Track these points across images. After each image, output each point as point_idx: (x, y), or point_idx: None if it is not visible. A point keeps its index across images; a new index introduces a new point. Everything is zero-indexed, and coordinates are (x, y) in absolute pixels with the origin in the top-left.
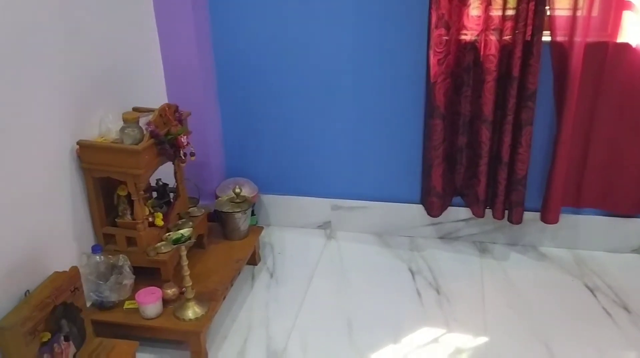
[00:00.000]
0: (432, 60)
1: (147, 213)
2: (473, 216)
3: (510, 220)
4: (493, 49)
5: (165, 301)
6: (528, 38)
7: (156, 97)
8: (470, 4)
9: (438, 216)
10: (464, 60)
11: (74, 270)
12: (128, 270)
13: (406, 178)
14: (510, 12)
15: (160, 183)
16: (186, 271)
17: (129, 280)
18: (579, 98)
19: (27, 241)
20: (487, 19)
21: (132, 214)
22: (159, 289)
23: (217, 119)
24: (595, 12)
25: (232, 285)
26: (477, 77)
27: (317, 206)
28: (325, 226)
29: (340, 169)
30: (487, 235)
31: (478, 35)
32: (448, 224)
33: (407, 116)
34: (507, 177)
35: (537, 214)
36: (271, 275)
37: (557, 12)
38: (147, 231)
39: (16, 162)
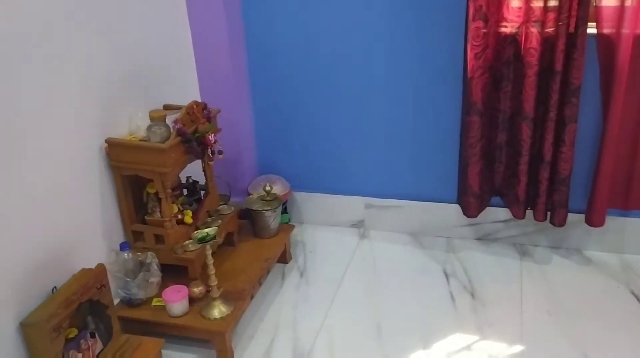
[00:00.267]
0: (469, 54)
1: (176, 210)
2: (513, 217)
3: (552, 222)
4: (534, 42)
5: (192, 300)
6: (572, 30)
7: (189, 94)
8: None
9: (475, 216)
10: (503, 54)
11: (100, 268)
12: (155, 267)
13: (443, 176)
14: (552, 3)
15: (190, 181)
16: (211, 270)
17: (155, 277)
18: (626, 93)
19: (55, 238)
20: (528, 10)
21: (161, 211)
22: (185, 287)
23: (249, 116)
24: None
25: (260, 284)
26: (517, 71)
27: (350, 205)
28: (358, 224)
29: (374, 167)
30: (528, 237)
31: (519, 27)
32: (486, 225)
33: (444, 112)
34: (549, 177)
35: (582, 216)
36: (301, 274)
37: (604, 3)
38: (174, 229)
39: (45, 159)
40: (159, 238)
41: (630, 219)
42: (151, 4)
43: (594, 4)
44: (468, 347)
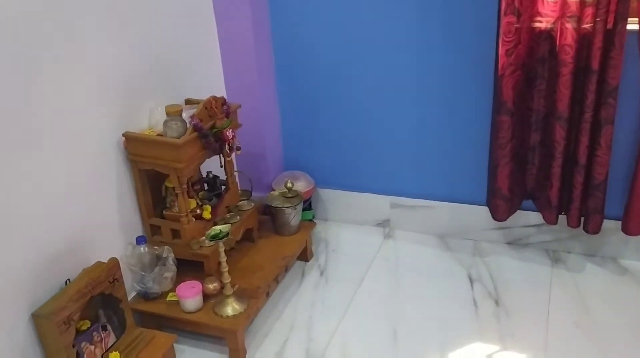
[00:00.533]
0: (500, 50)
1: (195, 205)
2: (545, 222)
3: (585, 229)
4: (569, 39)
5: (207, 296)
6: (610, 26)
7: (214, 89)
8: None
9: (504, 220)
10: (537, 50)
11: (113, 262)
12: (171, 262)
13: (473, 177)
14: None
15: (211, 175)
16: (224, 268)
17: (169, 272)
18: None
19: (72, 230)
20: (564, 4)
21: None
22: (199, 283)
23: (275, 111)
24: None
25: (277, 282)
26: (552, 69)
27: (376, 203)
28: (384, 224)
29: (402, 165)
30: (562, 243)
31: (554, 22)
32: (517, 229)
33: (475, 111)
34: (584, 181)
35: (619, 224)
36: (321, 273)
37: None
38: (191, 224)
39: (63, 152)
40: (175, 233)
41: None
42: None
43: None
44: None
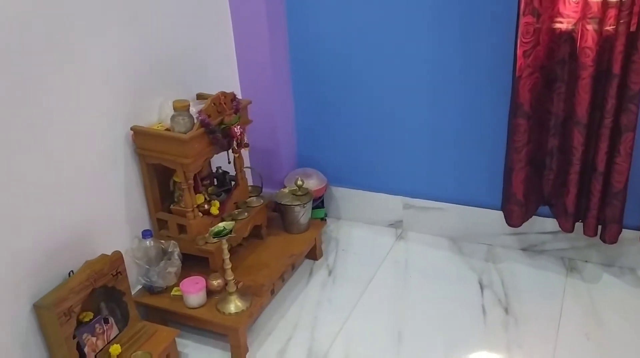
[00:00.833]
0: (518, 51)
1: (203, 200)
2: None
3: (602, 239)
4: (590, 41)
5: (211, 292)
6: (633, 29)
7: (227, 84)
8: None
9: (518, 226)
10: (557, 52)
11: (117, 255)
12: (176, 257)
13: (488, 180)
14: None
15: (220, 171)
16: (227, 265)
17: (173, 267)
18: None
19: (78, 222)
20: (585, 5)
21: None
22: (203, 279)
23: (290, 107)
24: None
25: (283, 280)
26: (572, 72)
27: (389, 204)
28: (396, 225)
29: (416, 166)
30: (579, 252)
31: (575, 24)
32: (532, 235)
33: (492, 112)
34: (602, 189)
35: (639, 234)
36: (329, 273)
37: None
38: (197, 219)
39: (71, 144)
40: (182, 228)
41: None
42: None
43: None
44: None
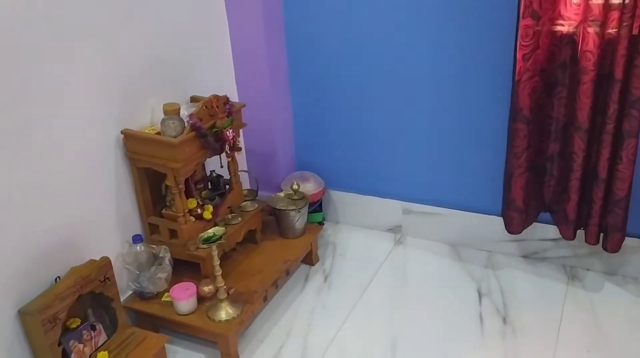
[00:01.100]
0: (518, 54)
1: (195, 205)
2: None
3: (604, 247)
4: (591, 45)
5: (202, 298)
6: (635, 32)
7: (223, 86)
8: None
9: (517, 233)
10: (558, 55)
11: (105, 261)
12: (167, 262)
13: (489, 186)
14: (616, 0)
15: (214, 174)
16: (218, 271)
17: (163, 273)
18: None
19: (66, 226)
20: (586, 7)
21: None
22: (194, 285)
23: (288, 110)
24: None
25: (277, 287)
26: (573, 76)
27: (388, 208)
28: (395, 230)
29: (415, 171)
30: (581, 260)
31: (576, 27)
32: (533, 242)
33: (492, 117)
34: (604, 196)
35: None
36: (325, 278)
37: None
38: (188, 224)
39: (59, 148)
40: (173, 233)
41: None
42: None
43: None
44: None
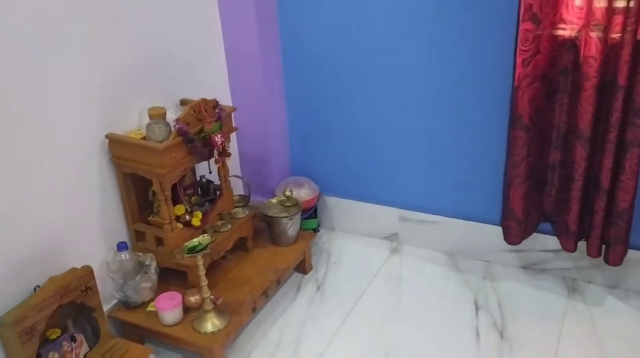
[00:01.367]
0: (517, 60)
1: (183, 211)
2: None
3: (606, 260)
4: (593, 50)
5: (188, 309)
6: None
7: (216, 89)
8: None
9: (516, 244)
10: (560, 61)
11: (86, 270)
12: (153, 271)
13: (487, 194)
14: (620, 4)
15: (204, 180)
16: (204, 282)
17: (148, 283)
18: None
19: (46, 233)
20: (589, 11)
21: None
22: (179, 295)
23: (282, 114)
24: None
25: (266, 296)
26: (574, 83)
27: (384, 215)
28: (391, 238)
29: (413, 177)
30: (582, 272)
31: (579, 31)
32: (533, 253)
33: (492, 124)
34: (606, 207)
35: None
36: (318, 288)
37: None
38: (175, 232)
39: (39, 152)
40: (160, 240)
41: None
42: None
43: None
44: None
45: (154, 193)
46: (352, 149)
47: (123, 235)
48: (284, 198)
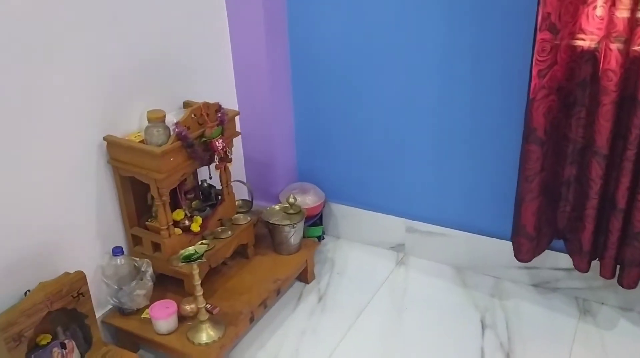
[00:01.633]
0: (533, 71)
1: (183, 216)
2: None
3: (620, 282)
4: (613, 63)
5: (183, 317)
6: None
7: (222, 92)
8: (590, 2)
9: (527, 261)
10: (578, 73)
11: (78, 275)
12: (149, 277)
13: (499, 208)
14: None
15: (205, 184)
16: (199, 291)
17: (142, 290)
18: None
19: (39, 236)
20: (609, 22)
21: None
22: (174, 303)
23: (289, 118)
24: None
25: (265, 307)
26: (593, 96)
27: (391, 225)
28: (398, 248)
29: (420, 187)
30: (595, 292)
31: (599, 42)
32: (545, 270)
33: (505, 136)
34: (622, 228)
35: None
36: (320, 299)
37: None
38: (173, 238)
39: (35, 150)
40: (157, 246)
41: None
42: None
43: None
44: None
45: (152, 197)
46: (360, 156)
47: (120, 239)
48: (287, 205)
